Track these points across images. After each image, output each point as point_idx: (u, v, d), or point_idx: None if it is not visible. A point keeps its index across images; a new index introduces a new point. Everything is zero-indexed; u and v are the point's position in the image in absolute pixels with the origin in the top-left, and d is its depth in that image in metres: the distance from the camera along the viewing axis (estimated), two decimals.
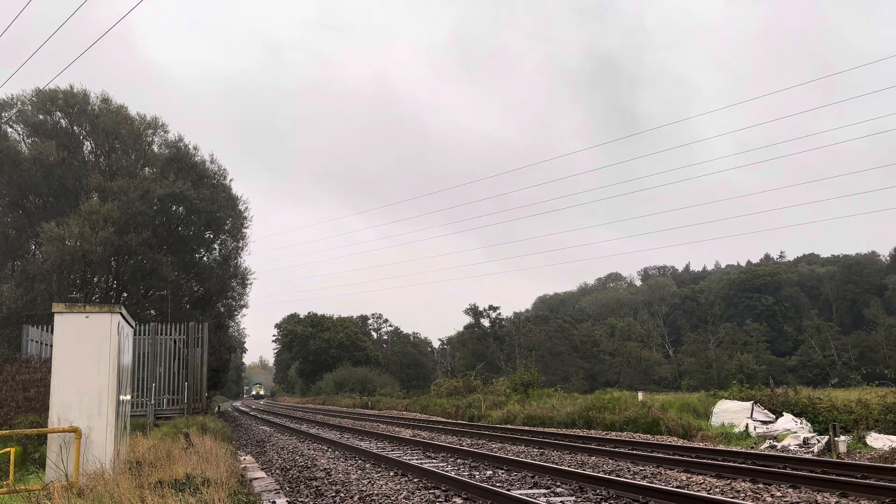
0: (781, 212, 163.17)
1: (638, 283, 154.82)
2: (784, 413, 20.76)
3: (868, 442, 16.87)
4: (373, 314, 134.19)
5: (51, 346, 15.41)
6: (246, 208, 43.87)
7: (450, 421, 34.93)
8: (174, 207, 38.97)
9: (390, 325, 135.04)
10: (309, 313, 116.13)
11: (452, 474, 12.22)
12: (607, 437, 21.19)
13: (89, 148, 40.65)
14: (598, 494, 10.38)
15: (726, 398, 23.95)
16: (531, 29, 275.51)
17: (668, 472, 12.96)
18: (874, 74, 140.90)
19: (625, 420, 24.07)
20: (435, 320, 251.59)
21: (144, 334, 26.62)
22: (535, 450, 18.02)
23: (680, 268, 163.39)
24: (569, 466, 13.72)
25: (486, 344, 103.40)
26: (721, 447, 17.46)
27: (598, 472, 12.63)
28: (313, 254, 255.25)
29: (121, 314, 10.82)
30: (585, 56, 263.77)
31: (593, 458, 15.75)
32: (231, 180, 43.22)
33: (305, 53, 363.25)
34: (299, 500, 10.57)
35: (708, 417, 23.14)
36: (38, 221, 35.58)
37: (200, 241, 42.31)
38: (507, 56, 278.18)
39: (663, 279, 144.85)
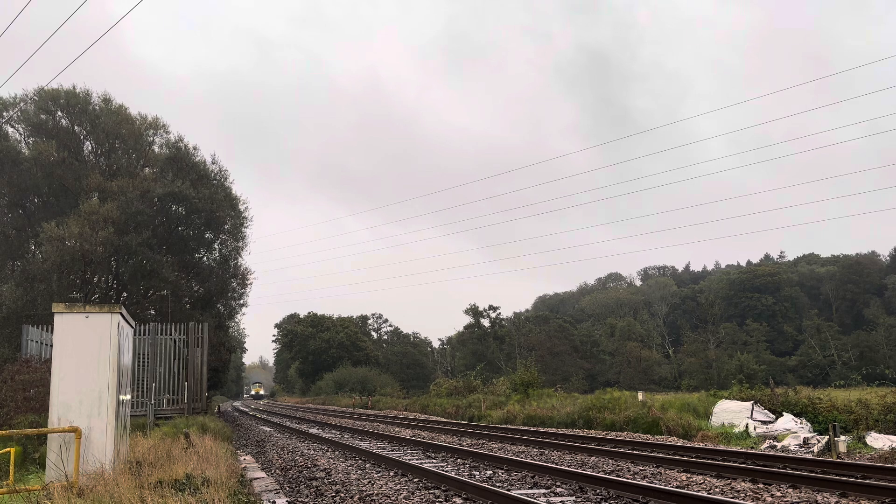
0: (781, 212, 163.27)
1: (638, 283, 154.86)
2: (784, 413, 20.77)
3: (868, 442, 16.87)
4: (373, 314, 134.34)
5: (51, 346, 15.42)
6: (246, 208, 43.90)
7: (450, 421, 34.93)
8: (174, 207, 38.96)
9: (390, 325, 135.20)
10: (309, 313, 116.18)
11: (452, 474, 12.22)
12: (607, 437, 21.18)
13: (90, 148, 40.65)
14: (598, 494, 10.38)
15: (726, 398, 23.95)
16: (521, 24, 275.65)
17: (668, 472, 12.96)
18: (871, 73, 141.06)
19: (625, 420, 24.07)
20: (435, 320, 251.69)
21: (144, 334, 26.62)
22: (535, 450, 18.02)
23: (680, 268, 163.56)
24: (569, 466, 13.72)
25: (486, 344, 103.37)
26: (721, 447, 17.46)
27: (598, 472, 12.63)
28: (311, 254, 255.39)
29: (121, 314, 10.83)
30: (576, 51, 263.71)
31: (593, 458, 15.75)
32: (231, 181, 43.28)
33: (294, 51, 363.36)
34: (299, 499, 10.57)
35: (708, 417, 23.14)
36: (38, 221, 35.57)
37: (200, 241, 42.30)
38: (497, 52, 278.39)
39: (663, 279, 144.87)
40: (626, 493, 10.14)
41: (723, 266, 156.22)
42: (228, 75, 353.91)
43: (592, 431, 24.20)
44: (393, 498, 10.44)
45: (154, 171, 40.00)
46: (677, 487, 10.77)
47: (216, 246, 43.48)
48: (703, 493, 9.80)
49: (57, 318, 10.31)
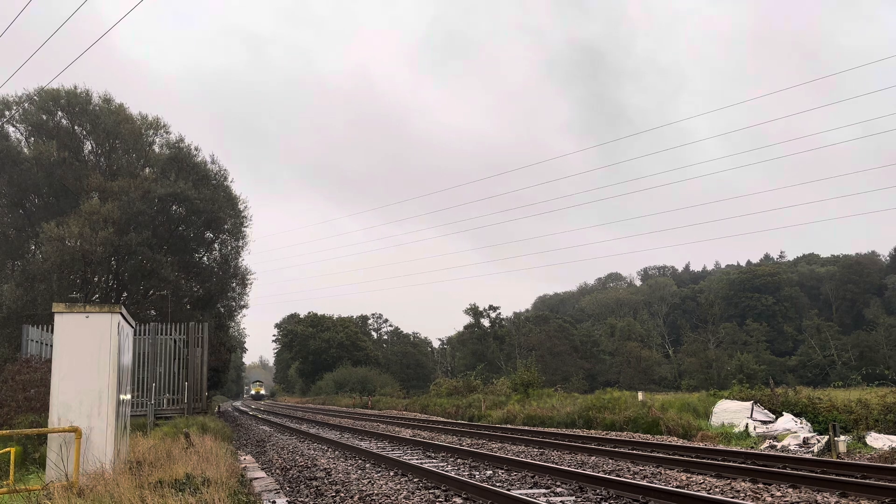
0: (781, 212, 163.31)
1: (638, 283, 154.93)
2: (784, 413, 20.77)
3: (868, 442, 16.87)
4: (373, 314, 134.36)
5: (51, 346, 15.42)
6: (245, 208, 43.86)
7: (450, 421, 34.93)
8: (174, 207, 38.96)
9: (390, 325, 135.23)
10: (309, 313, 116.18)
11: (452, 474, 12.22)
12: (607, 436, 21.19)
13: (90, 148, 40.64)
14: (598, 494, 10.38)
15: (726, 398, 23.95)
16: (512, 19, 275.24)
17: (668, 471, 12.96)
18: (869, 73, 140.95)
19: (625, 420, 24.07)
20: (435, 320, 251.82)
21: (144, 334, 26.62)
22: (535, 450, 18.02)
23: (680, 268, 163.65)
24: (569, 466, 13.73)
25: (486, 344, 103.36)
26: (721, 447, 17.46)
27: (598, 472, 12.64)
28: (310, 254, 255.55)
29: (121, 314, 10.83)
30: (568, 46, 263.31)
31: (593, 457, 15.75)
32: (231, 181, 43.26)
33: (283, 48, 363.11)
34: (299, 499, 10.57)
35: (708, 417, 23.14)
36: (38, 221, 35.57)
37: (201, 241, 42.29)
38: (487, 48, 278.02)
39: (663, 279, 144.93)
40: (626, 492, 10.15)
41: (723, 266, 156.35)
42: (218, 74, 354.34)
43: (592, 431, 24.20)
44: (393, 498, 10.44)
45: (154, 171, 39.99)
46: (677, 487, 10.78)
47: (216, 246, 43.49)
48: (703, 493, 9.80)
49: (57, 318, 10.32)
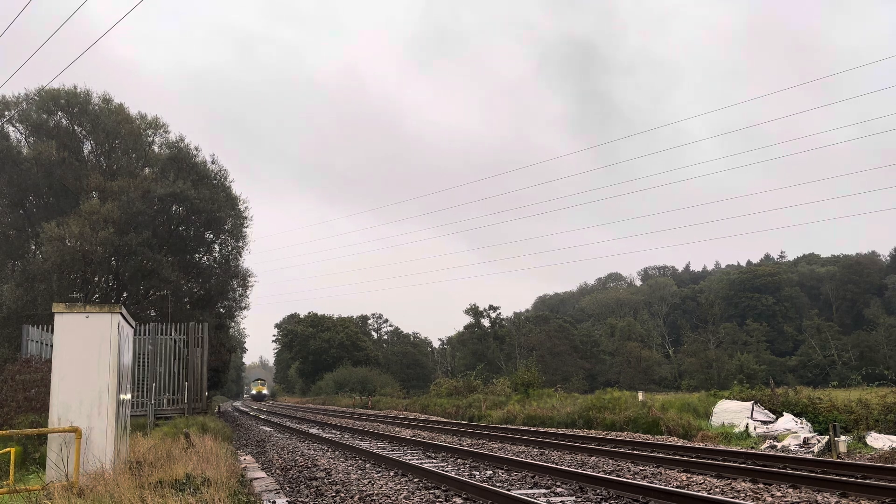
0: (781, 212, 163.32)
1: (638, 283, 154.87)
2: (784, 413, 20.76)
3: (868, 442, 16.87)
4: (373, 314, 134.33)
5: (51, 346, 15.41)
6: (246, 208, 43.80)
7: (450, 421, 34.92)
8: (174, 207, 38.94)
9: (390, 325, 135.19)
10: (309, 313, 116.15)
11: (452, 474, 12.21)
12: (607, 437, 21.18)
13: (90, 148, 40.62)
14: (598, 494, 10.38)
15: (726, 398, 23.94)
16: (501, 14, 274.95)
17: (669, 472, 12.95)
18: (867, 72, 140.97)
19: (625, 420, 24.07)
20: (435, 320, 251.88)
21: (144, 334, 26.61)
22: (535, 450, 18.01)
23: (680, 268, 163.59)
24: (569, 466, 13.72)
25: (487, 344, 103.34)
26: (721, 447, 17.46)
27: (599, 472, 12.63)
28: (308, 255, 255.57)
29: (121, 314, 10.82)
30: (561, 41, 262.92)
31: (593, 458, 15.75)
32: (232, 181, 43.22)
33: (272, 46, 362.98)
34: (299, 499, 10.57)
35: (708, 417, 23.14)
36: (38, 221, 35.57)
37: (200, 241, 42.26)
38: (477, 43, 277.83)
39: (663, 279, 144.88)
40: (627, 493, 10.14)
41: (723, 266, 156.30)
42: (207, 72, 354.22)
43: (592, 431, 24.19)
44: (393, 498, 10.44)
45: (154, 171, 39.97)
46: (677, 487, 10.77)
47: (216, 246, 43.45)
48: (704, 493, 9.80)
49: (57, 318, 10.31)
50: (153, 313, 37.93)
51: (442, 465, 14.85)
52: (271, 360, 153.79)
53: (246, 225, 43.75)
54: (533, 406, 31.13)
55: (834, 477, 11.23)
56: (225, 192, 41.92)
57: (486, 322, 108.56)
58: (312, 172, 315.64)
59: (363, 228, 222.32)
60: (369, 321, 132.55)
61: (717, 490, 10.74)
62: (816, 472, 12.03)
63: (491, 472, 13.54)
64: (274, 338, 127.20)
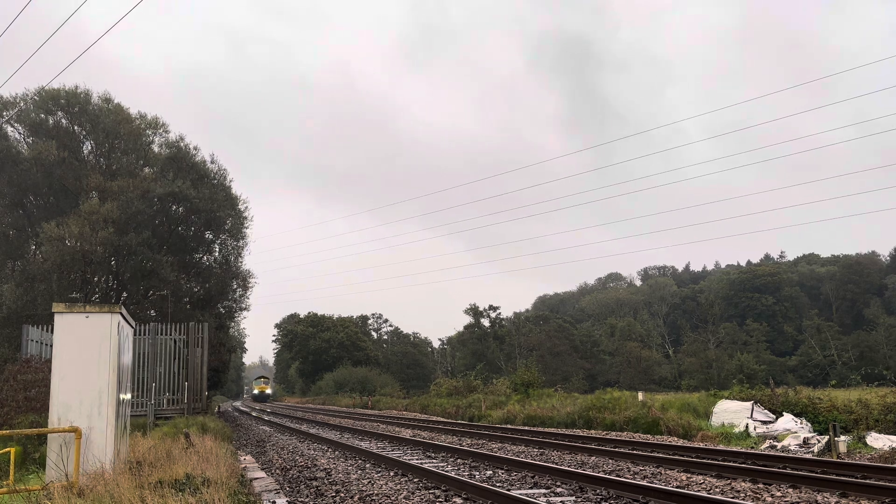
0: (781, 212, 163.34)
1: (638, 283, 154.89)
2: (784, 413, 20.77)
3: (868, 442, 16.87)
4: (373, 314, 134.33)
5: (51, 346, 15.42)
6: (246, 208, 43.78)
7: (450, 421, 34.92)
8: (174, 207, 38.94)
9: (390, 325, 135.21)
10: (309, 313, 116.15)
11: (452, 474, 12.21)
12: (607, 437, 21.18)
13: (89, 148, 40.61)
14: (598, 494, 10.38)
15: (726, 398, 23.94)
16: (493, 11, 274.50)
17: (669, 472, 12.95)
18: (866, 73, 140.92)
19: (625, 420, 24.07)
20: (435, 320, 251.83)
21: (144, 334, 26.62)
22: (535, 450, 18.01)
23: (680, 268, 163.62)
24: (569, 466, 13.72)
25: (486, 344, 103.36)
26: (721, 447, 17.46)
27: (599, 472, 12.63)
28: (308, 255, 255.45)
29: (121, 314, 10.82)
30: (553, 37, 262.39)
31: (593, 458, 15.75)
32: (231, 180, 43.19)
33: (264, 45, 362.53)
34: (299, 499, 10.57)
35: (708, 417, 23.13)
36: (38, 221, 35.56)
37: (200, 241, 42.25)
38: (470, 41, 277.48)
39: (663, 279, 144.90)
40: (626, 493, 10.14)
41: (723, 266, 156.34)
42: (199, 71, 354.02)
43: (592, 431, 24.19)
44: (393, 498, 10.44)
45: (154, 170, 39.98)
46: (677, 487, 10.77)
47: (216, 246, 43.44)
48: (703, 493, 9.79)
49: (57, 318, 10.31)
50: (153, 313, 37.94)
51: (442, 465, 14.85)
52: (271, 360, 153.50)
53: (246, 225, 43.77)
54: (533, 406, 31.13)
55: (834, 477, 11.23)
56: (224, 192, 41.91)
57: (485, 322, 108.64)
58: (308, 172, 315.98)
59: (361, 229, 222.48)
60: (369, 321, 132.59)
61: (717, 490, 10.74)
62: (816, 472, 12.03)
63: (491, 472, 13.54)
64: (274, 338, 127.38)
